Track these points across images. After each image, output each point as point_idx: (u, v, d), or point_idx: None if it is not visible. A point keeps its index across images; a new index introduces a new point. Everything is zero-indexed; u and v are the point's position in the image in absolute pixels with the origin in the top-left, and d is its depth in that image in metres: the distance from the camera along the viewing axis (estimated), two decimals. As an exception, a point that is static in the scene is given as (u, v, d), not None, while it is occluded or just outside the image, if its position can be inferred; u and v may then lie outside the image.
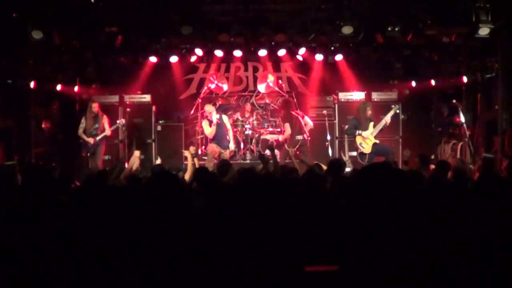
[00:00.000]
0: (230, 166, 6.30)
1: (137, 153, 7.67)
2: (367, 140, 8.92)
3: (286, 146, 9.52)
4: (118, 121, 10.14)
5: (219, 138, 9.41)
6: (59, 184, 5.14)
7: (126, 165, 8.91)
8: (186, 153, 7.73)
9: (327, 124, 10.72)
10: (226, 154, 9.33)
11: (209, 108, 9.62)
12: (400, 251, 2.28)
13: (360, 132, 8.96)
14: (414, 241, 2.30)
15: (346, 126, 9.54)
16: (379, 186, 2.35)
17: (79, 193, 4.69)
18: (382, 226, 2.30)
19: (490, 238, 2.16)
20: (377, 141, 8.93)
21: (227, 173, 5.83)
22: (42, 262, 2.78)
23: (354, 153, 9.50)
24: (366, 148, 8.95)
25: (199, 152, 11.15)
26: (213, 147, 9.37)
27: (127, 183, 5.46)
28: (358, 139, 9.04)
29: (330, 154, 10.39)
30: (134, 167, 7.09)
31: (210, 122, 9.44)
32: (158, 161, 8.02)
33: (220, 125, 9.42)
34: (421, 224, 2.60)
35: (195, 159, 7.30)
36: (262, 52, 11.33)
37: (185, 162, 10.32)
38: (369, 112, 9.03)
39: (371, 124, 9.00)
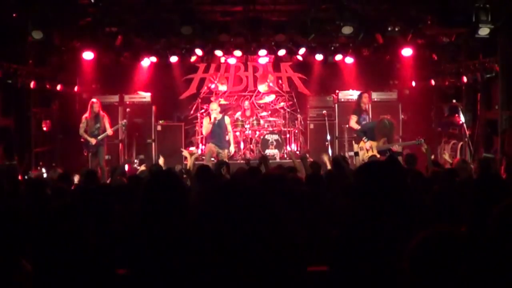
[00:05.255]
0: (227, 166, 6.30)
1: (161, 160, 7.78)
2: (369, 150, 8.81)
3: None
4: (122, 122, 10.14)
5: (217, 138, 9.38)
6: (59, 184, 5.15)
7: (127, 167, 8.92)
8: (186, 153, 7.73)
9: (327, 124, 10.72)
10: (224, 154, 9.31)
11: (213, 105, 9.57)
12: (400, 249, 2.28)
13: (366, 139, 8.85)
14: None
15: (359, 127, 9.44)
16: (380, 184, 2.35)
17: (78, 193, 4.69)
18: (384, 225, 2.31)
19: (489, 237, 2.16)
20: (378, 156, 8.70)
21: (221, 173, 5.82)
22: (41, 262, 2.78)
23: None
24: (364, 156, 8.88)
25: (199, 152, 11.16)
26: (211, 147, 9.35)
27: (128, 182, 5.46)
28: (361, 144, 8.98)
29: (330, 154, 10.38)
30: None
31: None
32: (161, 161, 8.00)
33: (219, 125, 9.38)
34: (421, 222, 2.60)
35: (193, 158, 7.32)
36: (262, 52, 11.35)
37: (185, 162, 10.33)
38: (386, 132, 8.64)
39: (383, 139, 8.79)
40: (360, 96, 9.85)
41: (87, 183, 5.12)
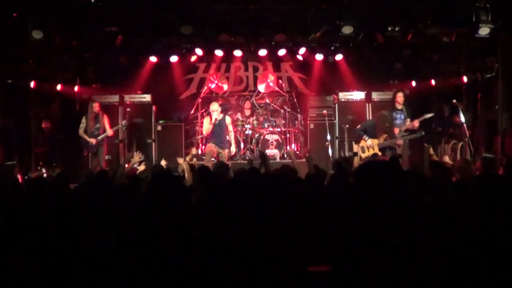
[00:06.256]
0: (227, 167, 6.29)
1: (163, 162, 7.69)
2: (370, 148, 8.80)
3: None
4: (122, 122, 10.14)
5: (217, 138, 9.37)
6: (58, 184, 5.14)
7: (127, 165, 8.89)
8: (180, 161, 7.66)
9: (327, 124, 10.72)
10: (225, 154, 9.30)
11: (213, 106, 9.58)
12: (400, 250, 2.28)
13: (367, 138, 8.83)
14: (415, 240, 2.30)
15: (359, 126, 9.43)
16: (378, 184, 2.35)
17: (79, 193, 4.69)
18: (384, 225, 2.31)
19: (488, 238, 2.16)
20: (379, 153, 8.68)
21: (223, 174, 5.80)
22: (41, 261, 2.78)
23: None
24: (365, 154, 8.87)
25: (199, 152, 11.16)
26: (211, 147, 9.34)
27: (128, 182, 5.44)
28: (362, 143, 8.96)
29: (330, 154, 10.38)
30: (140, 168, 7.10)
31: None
32: (163, 163, 7.96)
33: (219, 125, 9.38)
34: (421, 222, 2.60)
35: (194, 160, 7.27)
36: (262, 52, 11.35)
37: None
38: (387, 125, 8.70)
39: (384, 135, 8.79)
40: (394, 95, 9.69)
41: (97, 183, 5.12)
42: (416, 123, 9.10)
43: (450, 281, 2.15)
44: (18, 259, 2.75)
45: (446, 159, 8.53)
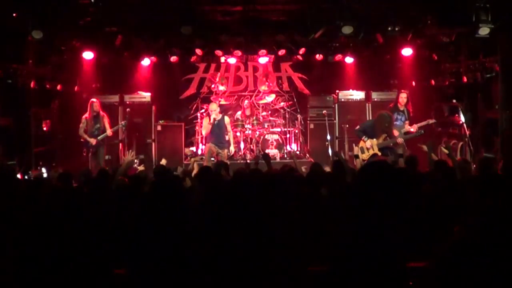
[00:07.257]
0: (226, 166, 6.30)
1: (163, 161, 7.65)
2: (369, 149, 8.76)
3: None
4: (122, 122, 10.14)
5: (217, 138, 9.38)
6: (59, 184, 5.15)
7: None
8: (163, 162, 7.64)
9: (327, 124, 10.72)
10: (224, 154, 9.31)
11: (212, 106, 9.58)
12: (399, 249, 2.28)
13: (366, 138, 8.80)
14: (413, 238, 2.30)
15: (358, 127, 9.39)
16: (378, 185, 2.35)
17: (80, 193, 4.69)
18: (385, 225, 2.31)
19: (488, 239, 2.16)
20: (379, 153, 8.64)
21: (221, 174, 5.81)
22: (43, 262, 2.78)
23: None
24: (365, 155, 8.83)
25: (199, 152, 11.16)
26: (210, 147, 9.35)
27: (129, 183, 5.45)
28: (361, 144, 8.93)
29: (330, 154, 10.38)
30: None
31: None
32: (163, 162, 7.94)
33: (218, 125, 9.38)
34: (421, 222, 2.60)
35: (193, 160, 7.27)
36: (262, 52, 11.36)
37: (185, 162, 10.32)
38: (386, 125, 8.53)
39: (383, 135, 8.75)
40: (397, 96, 9.62)
41: (101, 182, 5.13)
42: (415, 127, 9.07)
43: (450, 281, 2.15)
44: (17, 259, 2.75)
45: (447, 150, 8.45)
